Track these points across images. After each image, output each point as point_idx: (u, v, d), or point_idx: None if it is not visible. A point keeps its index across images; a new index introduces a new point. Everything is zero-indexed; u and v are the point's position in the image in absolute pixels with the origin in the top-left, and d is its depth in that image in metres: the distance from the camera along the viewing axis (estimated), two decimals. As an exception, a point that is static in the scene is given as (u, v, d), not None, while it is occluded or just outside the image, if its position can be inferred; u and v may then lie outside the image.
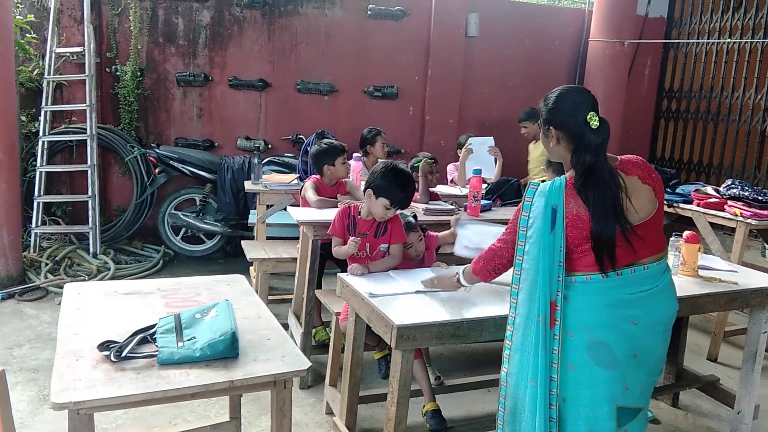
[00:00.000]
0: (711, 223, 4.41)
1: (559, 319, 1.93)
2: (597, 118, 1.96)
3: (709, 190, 4.62)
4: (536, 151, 5.51)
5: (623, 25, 6.67)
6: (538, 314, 1.93)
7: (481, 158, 4.75)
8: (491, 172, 4.81)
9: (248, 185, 4.78)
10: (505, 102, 6.97)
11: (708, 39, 6.73)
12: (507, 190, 4.49)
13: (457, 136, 5.83)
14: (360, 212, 3.03)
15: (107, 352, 1.79)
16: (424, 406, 2.97)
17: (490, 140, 4.88)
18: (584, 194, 1.91)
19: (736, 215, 4.21)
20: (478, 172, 3.90)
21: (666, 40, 7.29)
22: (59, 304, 4.40)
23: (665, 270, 2.07)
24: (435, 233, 3.27)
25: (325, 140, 4.10)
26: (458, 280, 2.41)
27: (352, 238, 2.92)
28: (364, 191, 2.99)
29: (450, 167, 5.32)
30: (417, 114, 6.69)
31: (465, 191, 4.44)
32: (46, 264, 5.09)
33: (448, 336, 2.25)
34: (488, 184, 4.58)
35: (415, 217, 3.23)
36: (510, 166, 5.41)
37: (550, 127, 2.03)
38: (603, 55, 6.69)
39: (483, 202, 3.98)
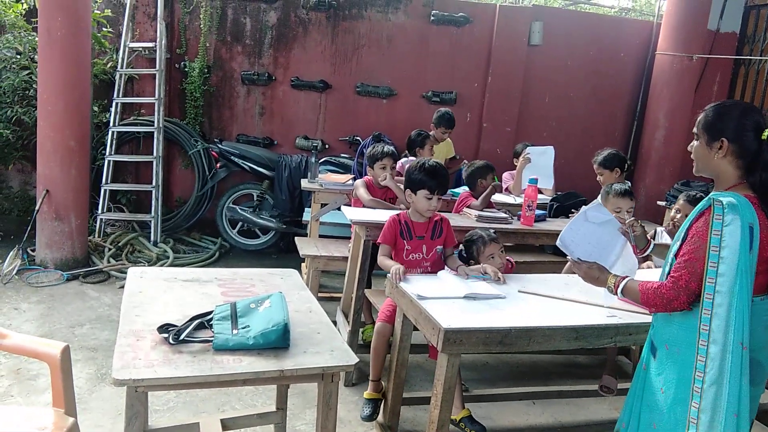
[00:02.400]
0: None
1: None
2: None
3: None
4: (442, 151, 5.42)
5: (692, 39, 6.48)
6: (741, 340, 1.83)
7: (538, 168, 4.67)
8: (549, 182, 4.73)
9: (304, 183, 4.88)
10: (566, 113, 6.88)
11: (783, 56, 6.47)
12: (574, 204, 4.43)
13: (514, 144, 5.78)
14: (410, 217, 3.07)
15: (166, 335, 1.87)
16: (455, 416, 2.95)
17: (550, 150, 4.79)
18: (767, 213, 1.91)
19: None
20: (534, 181, 3.87)
21: (737, 56, 7.04)
22: (120, 287, 4.62)
23: None
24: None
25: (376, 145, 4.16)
26: (610, 288, 2.18)
27: (396, 267, 2.75)
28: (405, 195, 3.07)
29: (505, 175, 5.29)
30: (474, 121, 6.68)
31: (519, 200, 4.40)
32: (109, 249, 5.31)
33: (496, 343, 2.25)
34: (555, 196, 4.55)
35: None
36: (569, 178, 5.34)
37: (723, 139, 1.96)
38: (670, 69, 6.51)
39: (537, 212, 3.95)
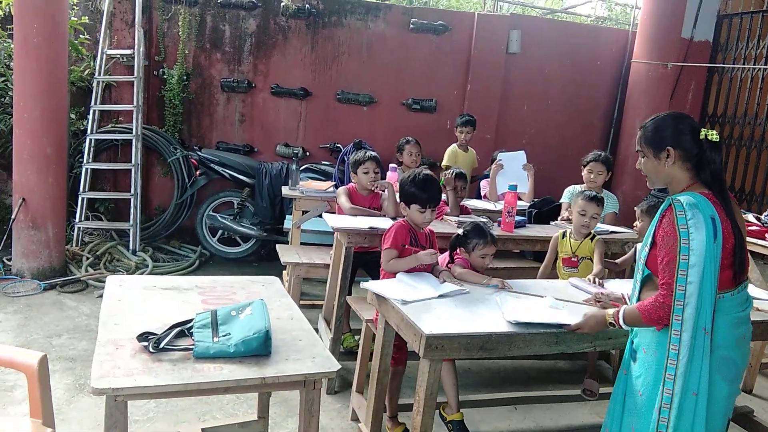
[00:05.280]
0: (751, 252, 4.32)
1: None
2: (715, 133, 2.05)
3: (750, 218, 4.54)
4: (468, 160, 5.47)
5: (667, 48, 6.61)
6: (704, 325, 1.94)
7: (512, 173, 4.71)
8: (524, 187, 4.77)
9: (285, 191, 4.86)
10: (544, 120, 6.96)
11: (754, 65, 6.62)
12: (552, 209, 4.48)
13: (493, 151, 5.84)
14: (411, 224, 3.04)
15: (146, 343, 1.85)
16: (447, 414, 2.95)
17: (521, 155, 4.84)
18: (724, 207, 2.00)
19: (778, 244, 4.13)
20: (513, 188, 3.90)
21: (711, 64, 7.18)
22: (98, 297, 4.56)
23: None
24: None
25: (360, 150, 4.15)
26: (612, 324, 2.18)
27: (429, 250, 2.87)
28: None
29: (483, 183, 5.33)
30: (453, 127, 6.71)
31: (499, 206, 4.44)
32: (87, 258, 5.24)
33: (477, 348, 2.26)
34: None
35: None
36: (548, 184, 5.41)
37: (667, 147, 2.07)
38: (645, 78, 6.63)
39: (517, 218, 3.98)
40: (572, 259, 3.52)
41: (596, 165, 4.28)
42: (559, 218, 4.33)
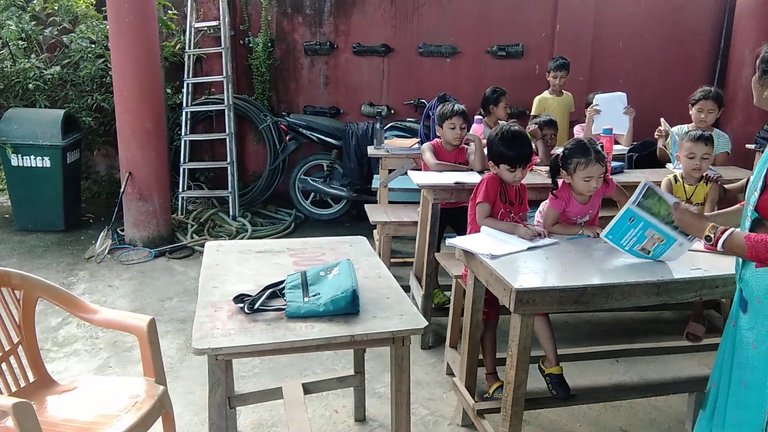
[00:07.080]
0: None
1: None
2: None
3: None
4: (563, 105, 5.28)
5: (781, -36, 5.95)
6: None
7: (610, 117, 4.39)
8: (624, 128, 4.44)
9: (371, 150, 4.88)
10: (642, 56, 6.52)
11: None
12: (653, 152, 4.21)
13: (587, 94, 5.55)
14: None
15: (241, 305, 1.93)
16: (545, 367, 2.88)
17: (621, 97, 4.48)
18: None
19: None
20: (608, 132, 3.68)
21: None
22: (203, 261, 4.81)
23: None
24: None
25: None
26: (709, 238, 1.96)
27: (529, 227, 2.67)
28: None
29: (576, 128, 5.07)
30: (543, 73, 6.40)
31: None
32: (192, 225, 5.54)
33: (571, 302, 2.19)
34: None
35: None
36: (648, 125, 5.07)
37: None
38: (755, 0, 6.01)
39: (614, 164, 3.78)
40: None
41: (706, 103, 3.94)
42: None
